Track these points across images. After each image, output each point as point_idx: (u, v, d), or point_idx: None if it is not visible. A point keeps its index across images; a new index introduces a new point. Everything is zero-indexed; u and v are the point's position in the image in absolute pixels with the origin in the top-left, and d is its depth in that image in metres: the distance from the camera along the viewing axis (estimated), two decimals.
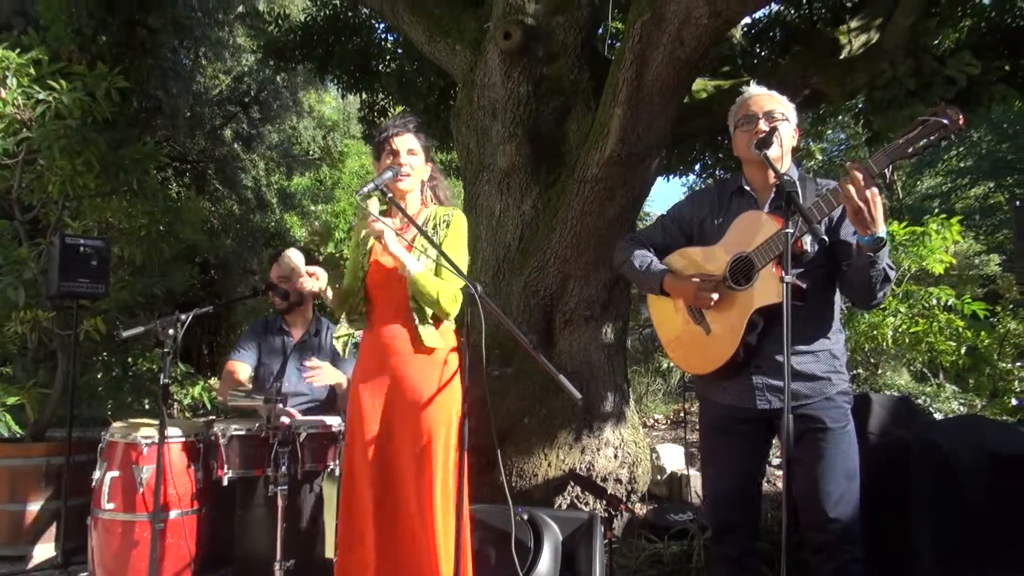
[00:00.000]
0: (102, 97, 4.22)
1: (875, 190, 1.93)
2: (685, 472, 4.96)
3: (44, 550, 3.86)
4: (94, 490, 3.09)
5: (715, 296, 2.30)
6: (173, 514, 3.02)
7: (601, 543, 3.03)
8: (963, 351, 6.51)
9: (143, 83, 6.14)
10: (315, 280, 2.57)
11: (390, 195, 2.42)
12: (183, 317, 2.89)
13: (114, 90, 4.29)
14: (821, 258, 2.23)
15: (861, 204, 1.94)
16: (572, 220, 3.79)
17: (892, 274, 2.14)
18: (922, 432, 2.99)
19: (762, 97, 2.36)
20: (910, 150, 1.92)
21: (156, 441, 2.93)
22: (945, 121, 1.87)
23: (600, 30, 5.05)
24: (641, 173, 3.79)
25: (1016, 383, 7.21)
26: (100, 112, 4.24)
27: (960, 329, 6.42)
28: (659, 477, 5.01)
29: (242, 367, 3.64)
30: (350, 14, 6.96)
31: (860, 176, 1.92)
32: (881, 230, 1.99)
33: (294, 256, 2.84)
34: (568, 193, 3.82)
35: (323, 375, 3.29)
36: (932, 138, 1.89)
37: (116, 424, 3.26)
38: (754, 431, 2.36)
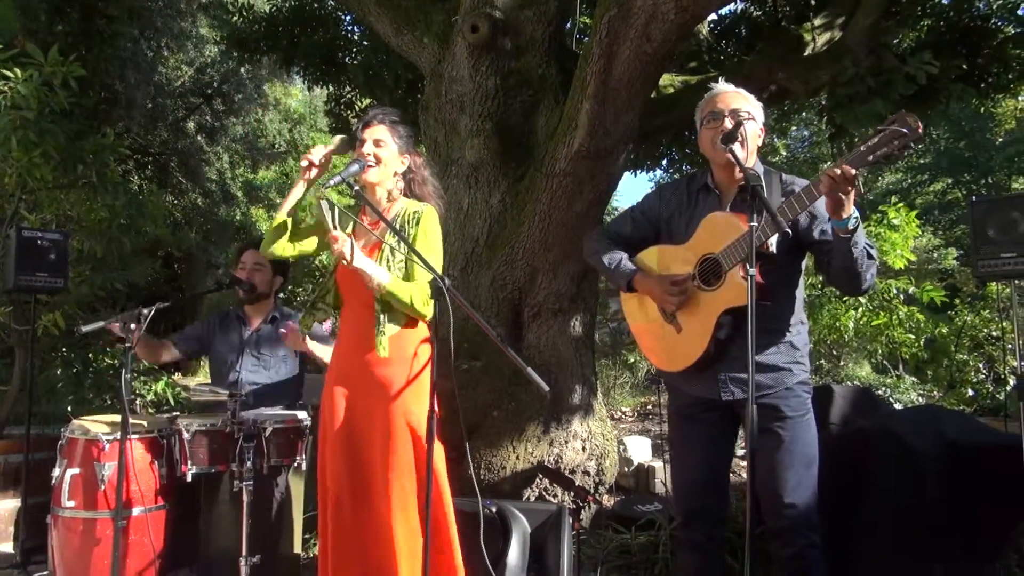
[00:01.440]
0: (59, 86, 4.12)
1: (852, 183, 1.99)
2: (652, 464, 5.02)
3: (2, 549, 3.78)
4: (54, 488, 3.02)
5: (680, 299, 2.33)
6: (136, 511, 2.97)
7: (569, 534, 3.06)
8: (922, 343, 6.66)
9: (102, 73, 6.01)
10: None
11: (357, 187, 2.40)
12: (145, 311, 2.84)
13: (72, 80, 4.18)
14: (783, 257, 2.28)
15: (840, 195, 1.99)
16: (540, 214, 3.80)
17: (874, 253, 2.19)
18: (882, 422, 3.06)
19: (729, 95, 2.38)
20: (870, 158, 1.96)
21: (118, 437, 2.87)
22: (904, 130, 1.90)
23: (568, 24, 5.06)
24: (608, 168, 3.81)
25: (972, 374, 7.40)
26: (58, 102, 4.14)
27: (920, 322, 6.57)
28: (626, 469, 5.06)
29: (170, 348, 3.63)
30: (316, 5, 6.88)
31: (852, 171, 1.96)
32: (853, 211, 2.05)
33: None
34: (536, 187, 3.83)
35: (295, 338, 3.21)
36: (893, 145, 1.93)
37: (76, 421, 3.19)
38: (721, 419, 2.40)
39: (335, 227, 2.41)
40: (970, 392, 7.33)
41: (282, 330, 3.29)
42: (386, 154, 2.57)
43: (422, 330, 2.59)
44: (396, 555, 2.38)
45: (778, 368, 2.31)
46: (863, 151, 1.97)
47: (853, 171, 1.96)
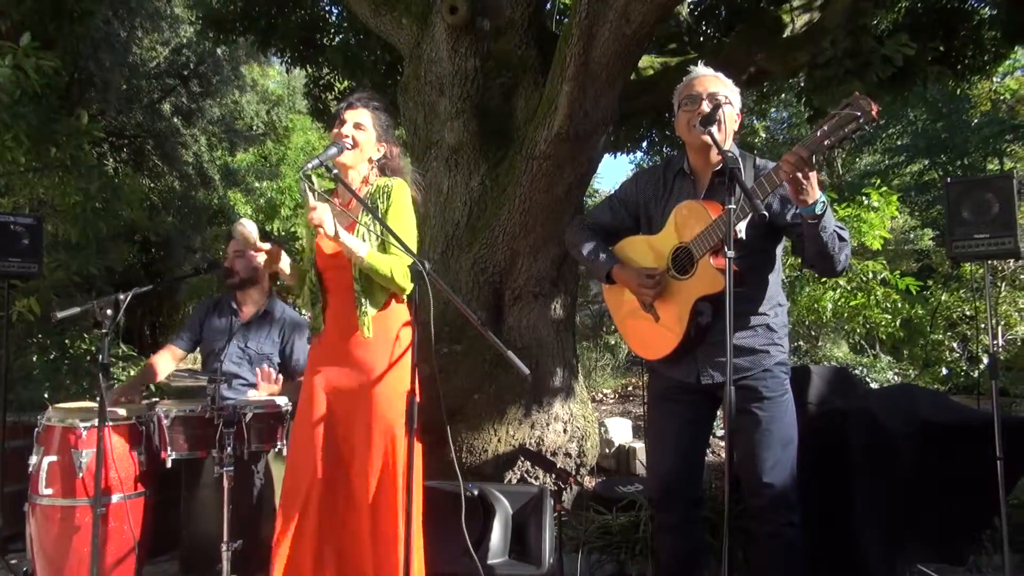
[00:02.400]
0: (31, 69, 4.04)
1: (811, 168, 2.00)
2: (633, 445, 5.06)
3: None
4: (31, 476, 2.99)
5: (655, 291, 2.36)
6: (115, 498, 2.94)
7: (551, 516, 3.08)
8: (898, 323, 6.74)
9: (74, 54, 5.89)
10: (265, 256, 2.51)
11: (335, 171, 2.38)
12: (122, 297, 2.81)
13: (48, 67, 4.10)
14: (756, 242, 2.29)
15: (801, 179, 2.00)
16: (520, 197, 3.80)
17: (845, 234, 2.21)
18: (858, 401, 3.10)
19: (707, 78, 2.38)
20: (826, 142, 1.97)
21: (95, 424, 2.85)
22: (857, 113, 1.91)
23: (548, 5, 5.03)
24: (588, 150, 3.80)
25: (947, 353, 7.52)
26: (29, 86, 4.06)
27: (896, 302, 6.65)
28: (607, 450, 5.09)
29: (164, 360, 3.59)
30: None
31: (803, 156, 1.97)
32: (820, 196, 2.05)
33: (247, 226, 2.58)
34: (516, 170, 3.82)
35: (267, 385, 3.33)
36: (847, 129, 1.93)
37: (53, 408, 3.16)
38: (698, 401, 2.43)
39: (313, 204, 2.39)
40: (944, 371, 7.46)
41: (258, 370, 3.36)
42: (364, 138, 2.56)
43: (403, 312, 2.59)
44: (369, 541, 2.39)
45: (755, 350, 2.34)
46: (818, 136, 1.98)
47: (806, 154, 1.96)
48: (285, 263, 2.63)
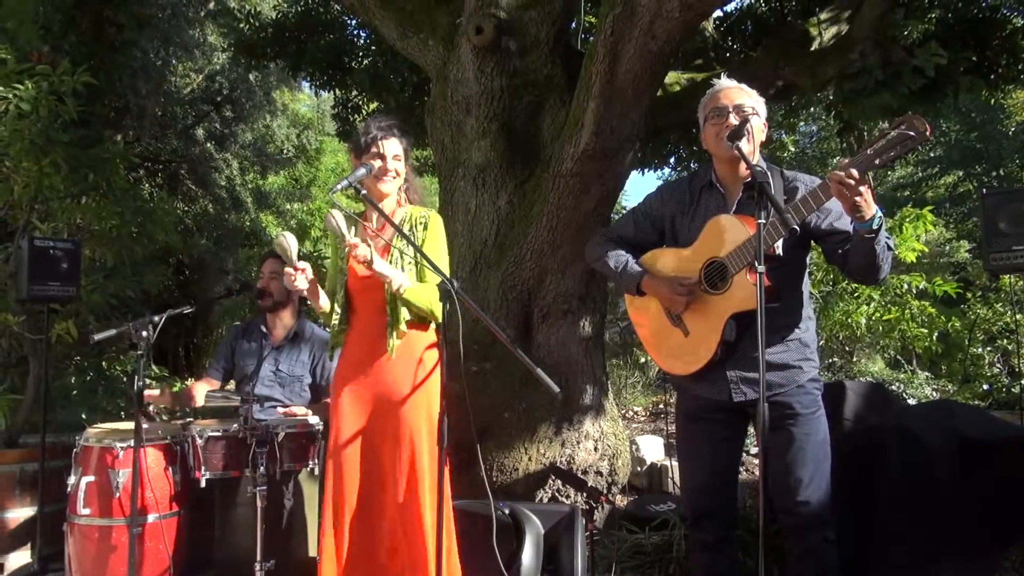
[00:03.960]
0: (69, 95, 4.15)
1: (866, 183, 1.97)
2: (665, 463, 5.00)
3: (20, 557, 3.81)
4: (70, 496, 3.04)
5: (687, 299, 2.33)
6: (151, 518, 2.98)
7: (583, 535, 3.05)
8: (935, 337, 6.60)
9: (113, 83, 6.05)
10: (303, 276, 2.47)
11: (364, 192, 2.42)
12: (156, 319, 2.86)
13: (82, 89, 4.21)
14: (788, 252, 2.27)
15: (855, 199, 1.97)
16: (548, 215, 3.80)
17: (892, 243, 2.18)
18: (895, 418, 3.04)
19: (732, 90, 2.37)
20: (877, 161, 1.95)
21: (131, 444, 2.89)
22: (911, 133, 1.89)
23: (573, 24, 5.05)
24: (615, 167, 3.80)
25: (986, 368, 7.34)
26: (67, 112, 4.16)
27: (932, 316, 6.52)
28: (639, 468, 5.04)
29: (201, 388, 3.62)
30: (322, 10, 6.92)
31: (855, 176, 1.94)
32: (876, 211, 2.03)
33: (288, 239, 2.51)
34: (543, 188, 3.83)
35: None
36: (899, 149, 1.92)
37: (90, 428, 3.21)
38: (730, 420, 2.39)
39: (352, 240, 2.43)
40: (985, 386, 7.27)
41: (279, 410, 3.41)
42: (403, 168, 2.66)
43: (430, 334, 2.61)
44: (427, 558, 2.40)
45: (788, 366, 2.30)
46: (870, 154, 1.96)
47: (856, 174, 1.94)
48: (320, 293, 2.64)
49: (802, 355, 2.32)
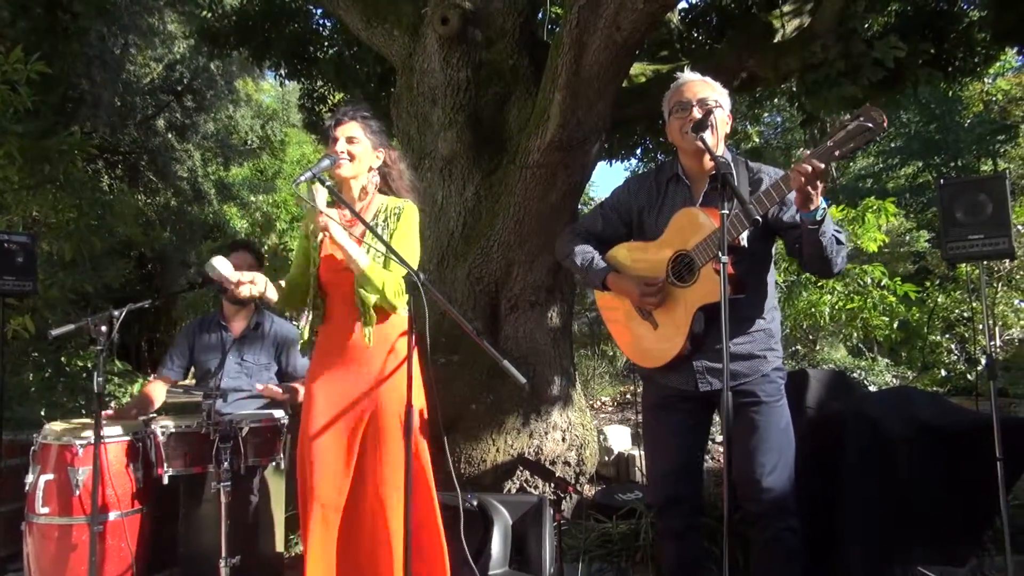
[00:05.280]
0: (22, 85, 4.04)
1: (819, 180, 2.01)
2: (632, 452, 5.04)
3: None
4: (28, 494, 2.97)
5: (657, 299, 2.35)
6: (112, 516, 2.93)
7: (550, 525, 3.07)
8: (895, 325, 6.74)
9: (67, 71, 5.90)
10: (252, 286, 2.47)
11: (329, 183, 2.38)
12: (116, 313, 2.80)
13: (36, 78, 4.10)
14: (753, 244, 2.29)
15: (810, 189, 2.01)
16: (514, 206, 3.80)
17: (843, 237, 2.22)
18: (856, 405, 3.09)
19: (696, 84, 2.39)
20: (837, 153, 1.99)
21: (91, 441, 2.83)
22: (869, 124, 1.93)
23: (539, 15, 5.04)
24: (582, 158, 3.81)
25: (945, 355, 7.51)
26: (20, 102, 4.06)
27: (893, 305, 6.66)
28: (607, 458, 5.08)
29: (159, 389, 3.57)
30: None
31: (818, 168, 1.98)
32: (821, 203, 2.07)
33: (218, 265, 2.45)
34: (510, 179, 3.82)
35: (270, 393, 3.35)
36: (857, 140, 1.95)
37: (49, 425, 3.14)
38: (696, 408, 2.42)
39: (322, 210, 2.40)
40: (943, 372, 7.45)
41: (258, 386, 3.37)
42: (359, 150, 2.57)
43: (401, 323, 2.59)
44: (391, 550, 2.39)
45: (753, 356, 2.33)
46: (830, 146, 1.99)
47: (822, 166, 1.98)
48: (270, 291, 2.59)
49: (766, 345, 2.36)
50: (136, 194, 10.94)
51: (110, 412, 3.40)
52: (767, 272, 2.42)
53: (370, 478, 2.48)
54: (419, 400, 2.47)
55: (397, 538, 2.40)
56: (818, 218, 2.08)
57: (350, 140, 2.56)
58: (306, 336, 2.68)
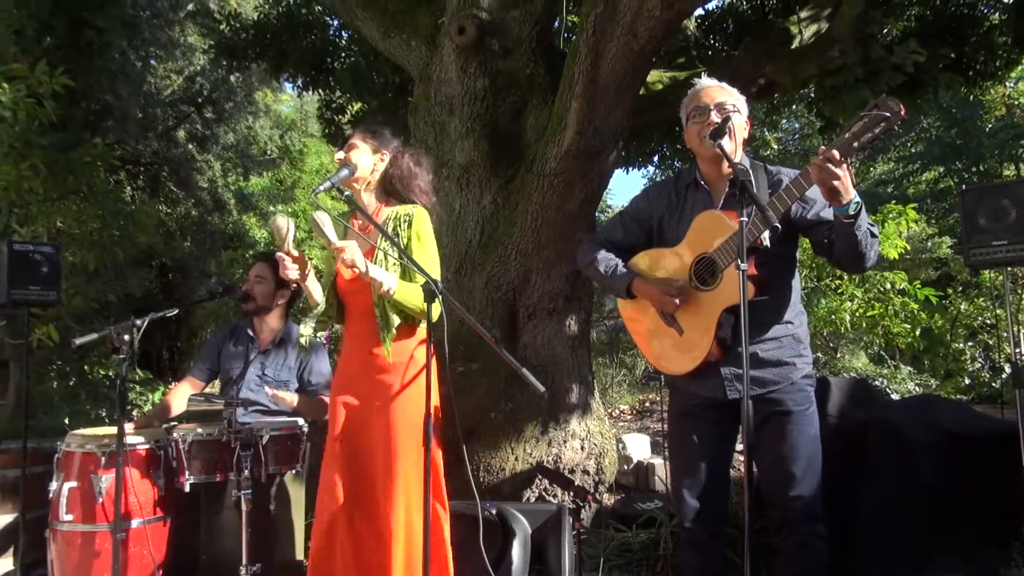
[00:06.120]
0: (47, 98, 4.11)
1: (844, 166, 1.98)
2: (652, 461, 5.01)
3: (2, 565, 3.77)
4: (51, 502, 3.01)
5: (677, 301, 2.33)
6: (135, 523, 2.96)
7: (570, 534, 3.05)
8: (918, 333, 6.66)
9: (91, 85, 5.99)
10: (296, 269, 2.44)
11: (347, 193, 2.41)
12: (138, 322, 2.84)
13: (61, 92, 4.17)
14: (777, 246, 2.28)
15: (834, 182, 1.98)
16: (532, 214, 3.80)
17: (876, 230, 2.19)
18: (878, 413, 3.06)
19: (713, 89, 2.38)
20: (856, 144, 1.97)
21: (114, 449, 2.86)
22: (886, 114, 1.91)
23: (556, 24, 5.06)
24: (599, 166, 3.81)
25: (968, 363, 7.41)
26: (45, 115, 4.13)
27: (915, 312, 6.58)
28: (626, 467, 5.05)
29: (183, 391, 3.60)
30: (304, 11, 6.87)
31: (837, 155, 1.96)
32: (855, 196, 2.04)
33: (284, 220, 2.44)
34: (527, 187, 3.83)
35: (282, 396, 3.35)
36: (876, 131, 1.94)
37: (72, 433, 3.18)
38: (722, 417, 2.39)
39: (337, 244, 2.39)
40: (967, 380, 7.35)
41: (268, 390, 3.35)
42: (358, 155, 2.62)
43: (419, 333, 2.60)
44: (392, 563, 2.39)
45: (782, 363, 2.31)
46: (848, 137, 1.98)
47: (838, 155, 1.96)
48: (314, 285, 2.62)
49: (795, 351, 2.33)
50: (157, 204, 11.07)
51: (132, 424, 3.44)
52: (791, 275, 2.40)
53: (381, 488, 2.48)
54: (422, 407, 2.45)
55: (399, 545, 2.40)
56: (851, 212, 2.05)
57: (349, 147, 2.63)
58: (305, 342, 2.70)
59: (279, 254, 2.45)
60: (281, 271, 2.45)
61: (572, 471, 3.96)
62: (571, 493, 3.57)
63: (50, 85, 4.11)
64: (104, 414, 5.15)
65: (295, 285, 2.95)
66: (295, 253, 2.46)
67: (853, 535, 2.74)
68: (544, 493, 3.87)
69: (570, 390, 4.05)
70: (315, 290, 2.62)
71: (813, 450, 2.30)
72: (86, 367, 5.76)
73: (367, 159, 2.64)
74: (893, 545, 2.70)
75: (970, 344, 7.75)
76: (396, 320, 2.51)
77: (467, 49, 4.06)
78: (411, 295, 2.47)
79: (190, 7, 11.07)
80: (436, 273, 2.53)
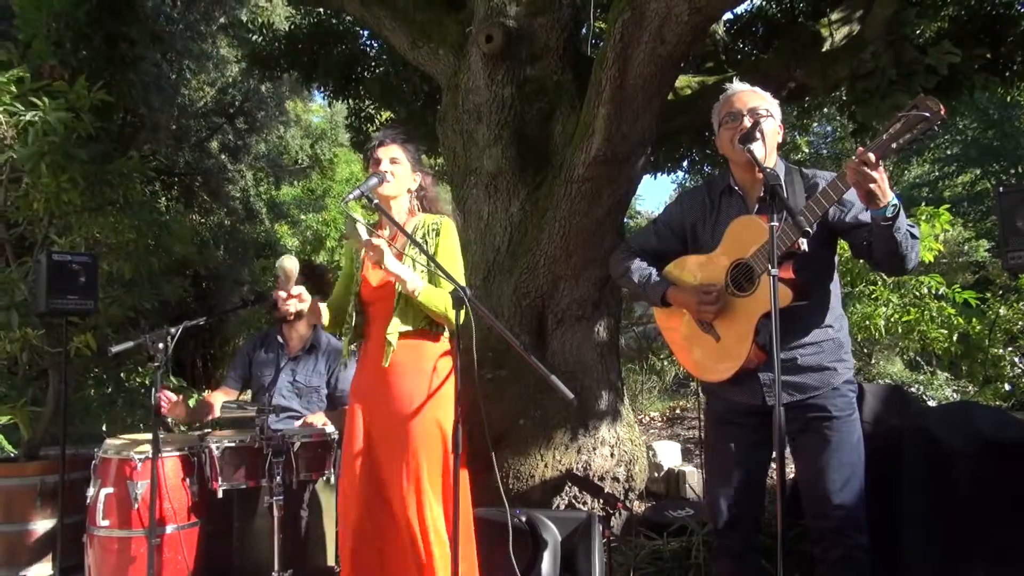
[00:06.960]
0: (85, 112, 4.20)
1: (880, 168, 1.95)
2: (682, 469, 4.97)
3: (41, 569, 3.84)
4: (89, 507, 3.07)
5: (716, 307, 2.31)
6: (169, 529, 3.01)
7: (600, 542, 3.04)
8: (955, 338, 6.52)
9: (126, 97, 6.11)
10: (297, 302, 2.54)
11: (376, 201, 2.43)
12: (173, 331, 2.89)
13: (97, 105, 4.26)
14: (816, 250, 2.24)
15: (871, 185, 1.95)
16: (560, 221, 3.80)
17: (916, 231, 2.16)
18: (914, 420, 3.00)
19: (745, 94, 2.37)
20: (894, 145, 1.94)
21: (149, 456, 2.91)
22: (926, 114, 1.88)
23: (583, 30, 5.05)
24: (627, 172, 3.79)
25: (1008, 368, 7.24)
26: (83, 128, 4.22)
27: (951, 317, 6.45)
28: (656, 474, 5.02)
29: (219, 398, 3.68)
30: (334, 21, 6.95)
31: (872, 158, 1.93)
32: (892, 198, 2.01)
33: (286, 262, 2.57)
34: (555, 194, 3.82)
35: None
36: (915, 131, 1.90)
37: (109, 440, 3.24)
38: (761, 423, 2.35)
39: (368, 239, 2.44)
40: (1006, 387, 7.18)
41: (306, 418, 3.44)
42: (400, 171, 2.67)
43: (442, 343, 2.61)
44: (435, 568, 2.39)
45: (823, 368, 2.27)
46: (886, 138, 1.95)
47: (873, 157, 1.93)
48: (323, 315, 2.70)
49: (836, 356, 2.30)
50: (191, 214, 11.26)
51: (172, 396, 3.49)
52: (830, 279, 2.36)
53: (398, 500, 2.48)
54: (449, 415, 2.46)
55: (416, 546, 2.41)
56: (889, 215, 2.01)
57: (393, 160, 2.65)
58: (345, 353, 2.73)
59: (276, 292, 2.51)
60: (281, 306, 2.50)
61: (602, 478, 3.94)
62: (601, 500, 3.54)
63: (88, 99, 4.20)
64: (141, 421, 5.23)
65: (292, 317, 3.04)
66: (294, 293, 2.52)
67: (891, 546, 2.68)
68: (574, 500, 3.85)
69: (599, 397, 4.03)
70: (323, 316, 2.70)
71: (856, 457, 2.26)
72: (122, 375, 5.87)
73: (407, 175, 2.70)
74: (932, 555, 2.65)
75: (1009, 349, 7.57)
76: (400, 328, 2.53)
77: (494, 57, 4.07)
78: (436, 298, 2.49)
79: (222, 20, 11.25)
80: (463, 282, 2.55)
